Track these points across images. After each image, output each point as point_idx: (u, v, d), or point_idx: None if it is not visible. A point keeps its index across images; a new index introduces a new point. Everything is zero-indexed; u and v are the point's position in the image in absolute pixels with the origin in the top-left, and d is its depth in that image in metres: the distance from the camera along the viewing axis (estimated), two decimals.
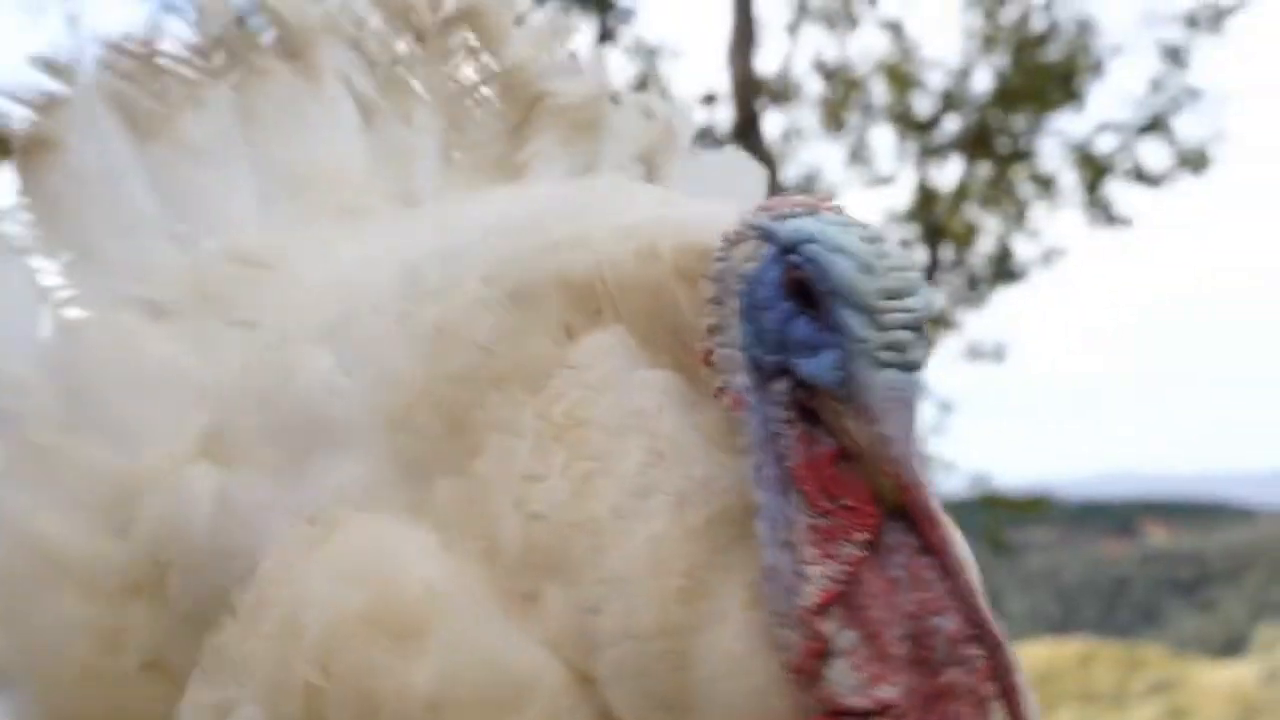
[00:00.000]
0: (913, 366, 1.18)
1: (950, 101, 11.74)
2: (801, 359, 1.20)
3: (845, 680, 1.13)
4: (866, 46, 11.91)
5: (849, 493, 1.18)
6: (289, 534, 1.26)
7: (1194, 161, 11.58)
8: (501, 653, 1.15)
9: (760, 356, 1.22)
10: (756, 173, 1.98)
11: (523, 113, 1.69)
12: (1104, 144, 11.78)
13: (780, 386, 1.21)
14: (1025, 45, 11.64)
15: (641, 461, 1.22)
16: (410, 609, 1.15)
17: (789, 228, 1.22)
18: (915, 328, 1.18)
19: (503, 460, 1.23)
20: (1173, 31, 11.62)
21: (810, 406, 1.20)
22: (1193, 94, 11.65)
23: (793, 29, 11.45)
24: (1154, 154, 11.63)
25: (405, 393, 1.29)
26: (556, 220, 1.35)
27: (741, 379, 1.23)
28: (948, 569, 1.16)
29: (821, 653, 1.13)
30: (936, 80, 11.79)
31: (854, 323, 1.18)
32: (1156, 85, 11.65)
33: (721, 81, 10.92)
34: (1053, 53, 11.66)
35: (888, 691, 1.13)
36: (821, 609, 1.14)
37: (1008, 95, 11.60)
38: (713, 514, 1.20)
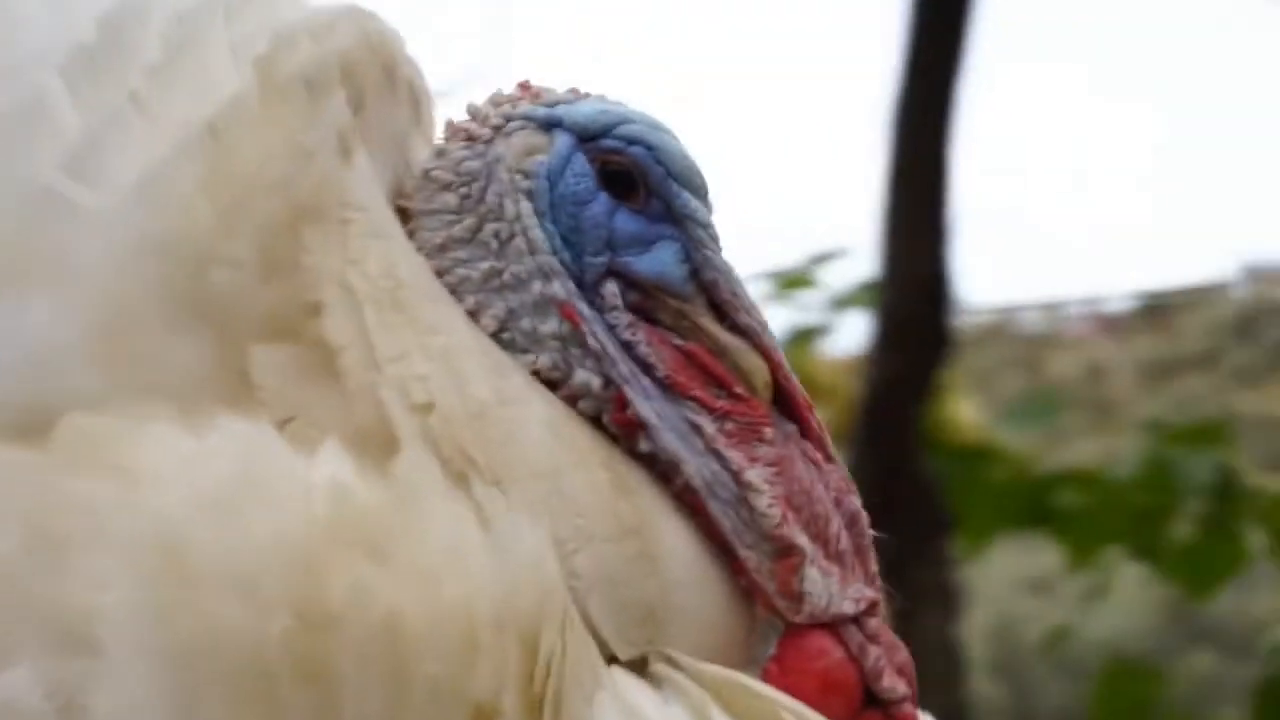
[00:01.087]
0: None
1: None
2: (632, 257, 1.08)
3: (821, 589, 1.04)
4: None
5: (733, 384, 1.07)
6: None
7: None
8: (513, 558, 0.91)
9: (580, 260, 1.07)
10: None
11: None
12: None
13: (611, 290, 1.07)
14: None
15: (474, 333, 1.03)
16: (372, 522, 0.87)
17: (584, 111, 1.09)
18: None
19: (351, 326, 0.95)
20: None
21: (643, 307, 1.08)
22: None
23: None
24: None
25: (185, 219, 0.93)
26: None
27: (556, 287, 1.06)
28: (830, 452, 1.08)
29: (797, 566, 1.04)
30: None
31: (696, 208, 1.08)
32: None
33: None
34: None
35: (860, 589, 1.05)
36: (785, 517, 1.04)
37: None
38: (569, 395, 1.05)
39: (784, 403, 1.09)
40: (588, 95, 1.11)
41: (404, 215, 1.09)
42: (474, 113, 1.11)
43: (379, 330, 0.95)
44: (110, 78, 0.94)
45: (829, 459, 1.09)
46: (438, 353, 0.98)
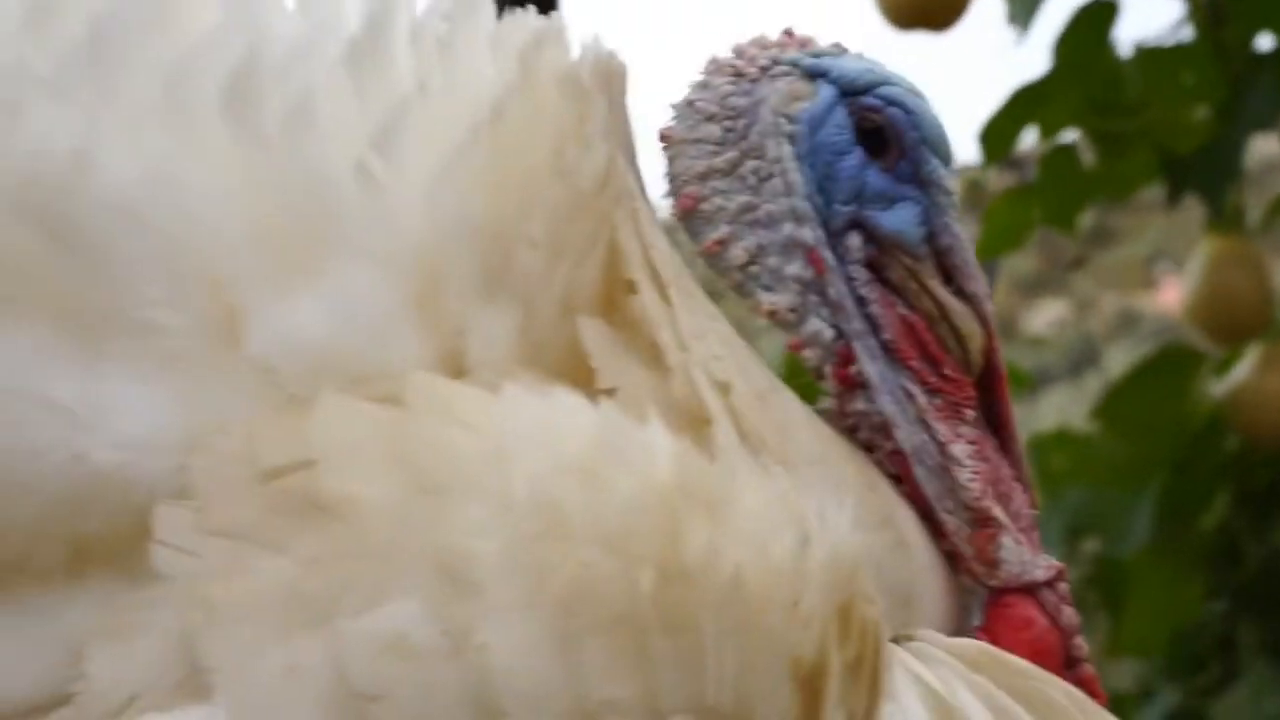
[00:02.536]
0: None
1: None
2: (876, 211, 1.10)
3: (1015, 557, 1.07)
4: None
5: (947, 364, 1.10)
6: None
7: None
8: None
9: (829, 208, 1.10)
10: None
11: None
12: None
13: (855, 243, 1.09)
14: None
15: (728, 333, 1.04)
16: (709, 486, 0.88)
17: (849, 67, 1.11)
18: None
19: (662, 306, 0.97)
20: None
21: (877, 262, 1.10)
22: None
23: None
24: None
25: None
26: None
27: (806, 232, 1.09)
28: (1014, 434, 1.12)
29: (996, 536, 1.07)
30: None
31: (942, 175, 1.10)
32: None
33: None
34: None
35: (1048, 558, 1.09)
36: (984, 490, 1.08)
37: None
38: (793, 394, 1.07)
39: (989, 375, 1.13)
40: (850, 52, 1.14)
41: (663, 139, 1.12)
42: (740, 51, 1.13)
43: (683, 311, 0.98)
44: (385, 70, 0.97)
45: (1013, 438, 1.13)
46: (722, 337, 1.01)
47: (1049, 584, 1.09)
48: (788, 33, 1.14)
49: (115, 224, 0.89)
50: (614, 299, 0.98)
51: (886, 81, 1.11)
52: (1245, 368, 3.49)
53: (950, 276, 1.12)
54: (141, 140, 0.90)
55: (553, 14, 1.05)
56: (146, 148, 0.90)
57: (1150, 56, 3.44)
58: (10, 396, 0.87)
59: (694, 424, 0.94)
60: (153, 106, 0.92)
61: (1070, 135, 3.58)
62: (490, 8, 1.04)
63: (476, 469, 0.85)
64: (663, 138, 1.12)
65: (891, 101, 1.10)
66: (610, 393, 0.92)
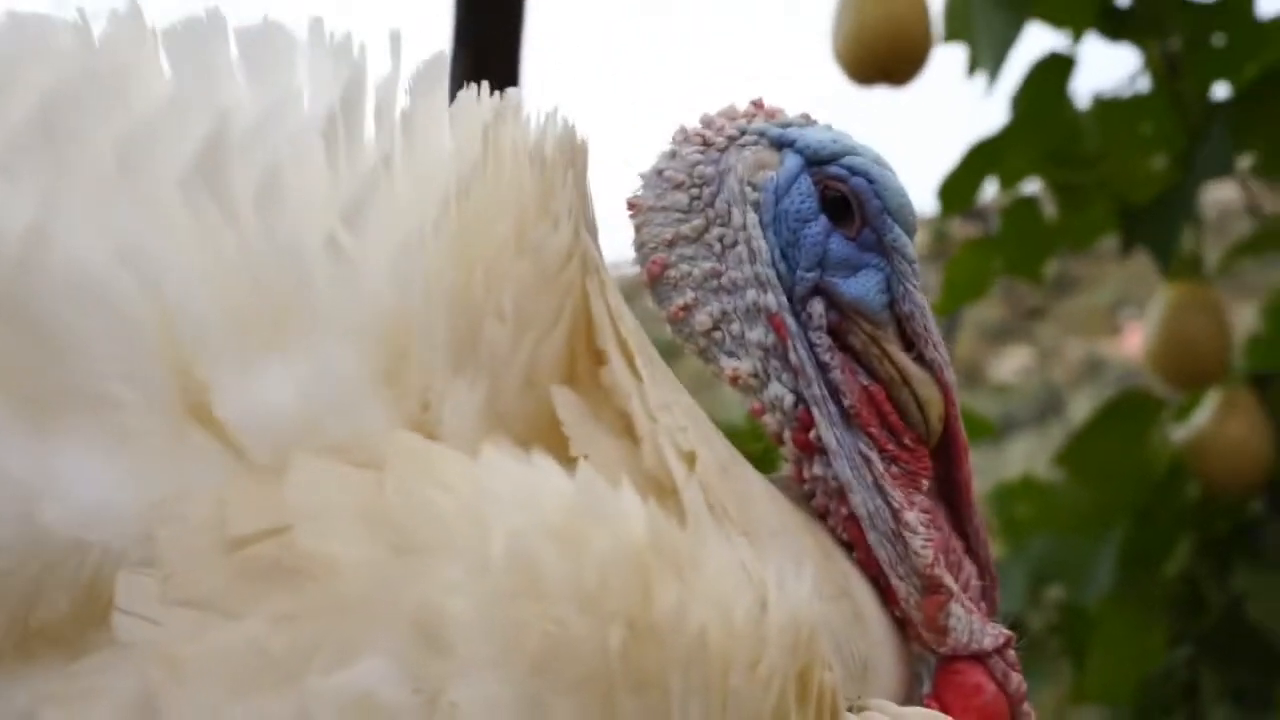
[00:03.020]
0: None
1: None
2: (839, 278, 1.12)
3: (964, 625, 1.09)
4: None
5: (905, 432, 1.12)
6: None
7: None
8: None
9: (792, 274, 1.12)
10: None
11: None
12: None
13: (817, 309, 1.12)
14: None
15: (690, 405, 1.05)
16: (679, 548, 0.89)
17: (815, 138, 1.13)
18: None
19: (630, 376, 0.99)
20: None
21: (839, 329, 1.13)
22: None
23: None
24: None
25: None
26: None
27: (769, 299, 1.11)
28: (970, 499, 1.14)
29: (945, 603, 1.09)
30: None
31: (905, 243, 1.13)
32: None
33: None
34: None
35: (996, 627, 1.11)
36: (936, 558, 1.10)
37: None
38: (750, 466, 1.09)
39: (948, 441, 1.15)
40: (817, 122, 1.16)
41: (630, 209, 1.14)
42: (708, 121, 1.15)
43: (650, 383, 1.00)
44: (354, 145, 0.98)
45: (970, 504, 1.15)
46: (686, 409, 1.02)
47: (998, 651, 1.10)
48: (756, 103, 1.17)
49: (71, 301, 0.88)
50: (577, 370, 0.99)
51: (851, 151, 1.13)
52: (1205, 414, 3.51)
53: (911, 343, 1.14)
54: (100, 216, 0.90)
55: (512, 88, 1.06)
56: (105, 223, 0.90)
57: (1108, 108, 3.48)
58: None
59: (661, 492, 0.95)
60: (111, 181, 0.92)
61: (1032, 186, 3.62)
62: (445, 83, 1.04)
63: (454, 529, 0.86)
64: (630, 205, 1.14)
65: (855, 171, 1.13)
66: (582, 459, 0.93)
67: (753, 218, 1.12)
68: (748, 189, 1.13)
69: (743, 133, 1.14)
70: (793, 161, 1.13)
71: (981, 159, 3.44)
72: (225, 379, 0.89)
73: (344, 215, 0.93)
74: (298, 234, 0.92)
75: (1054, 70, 3.43)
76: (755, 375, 1.12)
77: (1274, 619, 3.47)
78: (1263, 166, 3.53)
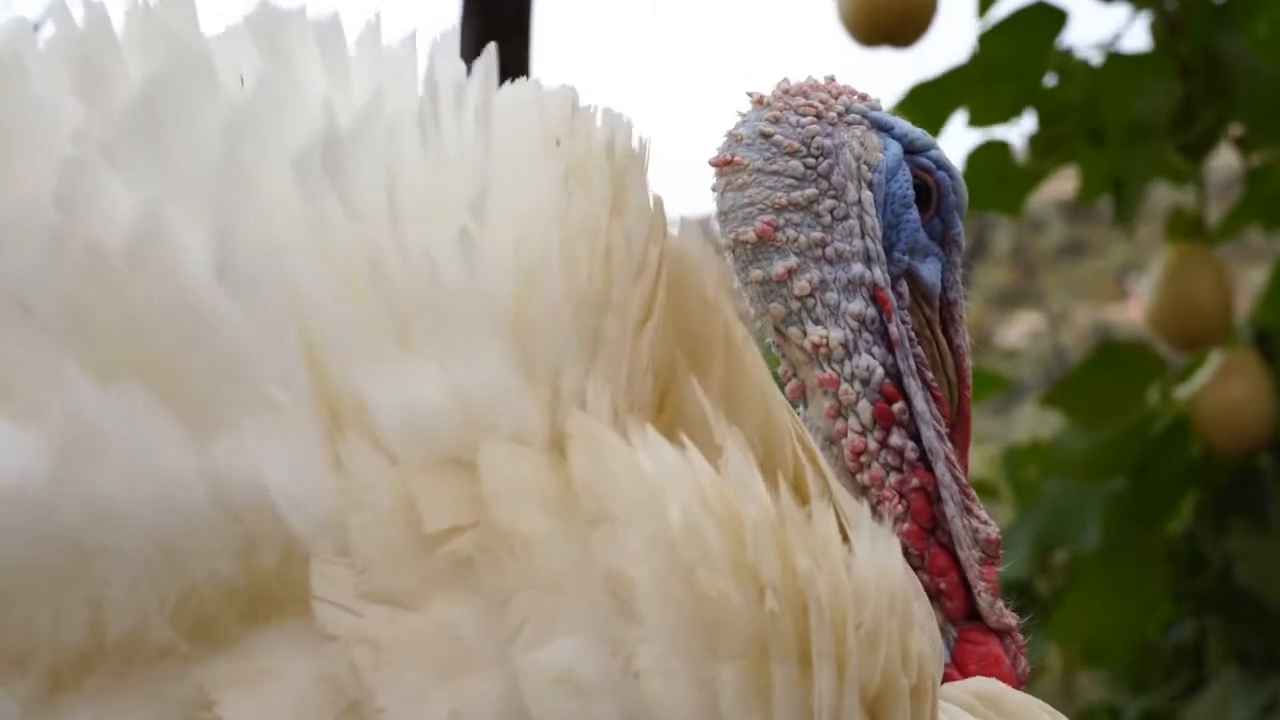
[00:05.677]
0: None
1: None
2: (918, 263, 1.18)
3: (991, 603, 1.14)
4: None
5: (944, 409, 1.17)
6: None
7: None
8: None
9: (889, 254, 1.17)
10: None
11: None
12: None
13: (904, 289, 1.17)
14: None
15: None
16: (799, 515, 0.95)
17: (908, 127, 1.20)
18: None
19: (756, 370, 1.02)
20: None
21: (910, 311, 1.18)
22: None
23: None
24: None
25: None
26: None
27: (877, 273, 1.15)
28: (967, 471, 1.18)
29: (999, 572, 1.14)
30: None
31: (962, 238, 1.19)
32: None
33: None
34: None
35: (1008, 610, 1.15)
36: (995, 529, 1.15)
37: None
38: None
39: (957, 425, 1.19)
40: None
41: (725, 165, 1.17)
42: (808, 91, 1.18)
43: (768, 382, 1.02)
44: (446, 140, 0.98)
45: (969, 489, 1.18)
46: (788, 408, 1.04)
47: (1014, 631, 1.14)
48: (829, 80, 1.21)
49: (200, 298, 0.87)
50: (676, 365, 1.01)
51: (935, 145, 1.19)
52: (1207, 374, 3.52)
53: (945, 328, 1.19)
54: (213, 209, 0.89)
55: (569, 84, 1.07)
56: (219, 216, 0.89)
57: (1108, 63, 3.49)
58: (151, 455, 0.85)
59: (785, 475, 0.98)
60: (220, 172, 0.91)
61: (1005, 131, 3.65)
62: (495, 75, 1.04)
63: (636, 502, 0.88)
64: (728, 163, 1.16)
65: (940, 165, 1.19)
66: (719, 448, 0.95)
67: (868, 195, 1.16)
68: (864, 167, 1.17)
69: (848, 109, 1.18)
70: (895, 147, 1.18)
71: (936, 95, 3.45)
72: (373, 380, 0.89)
73: (471, 208, 0.93)
74: (423, 227, 0.93)
75: (1042, 21, 3.43)
76: (843, 345, 1.15)
77: (1264, 582, 3.48)
78: (1249, 139, 3.54)
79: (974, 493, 1.15)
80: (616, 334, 0.96)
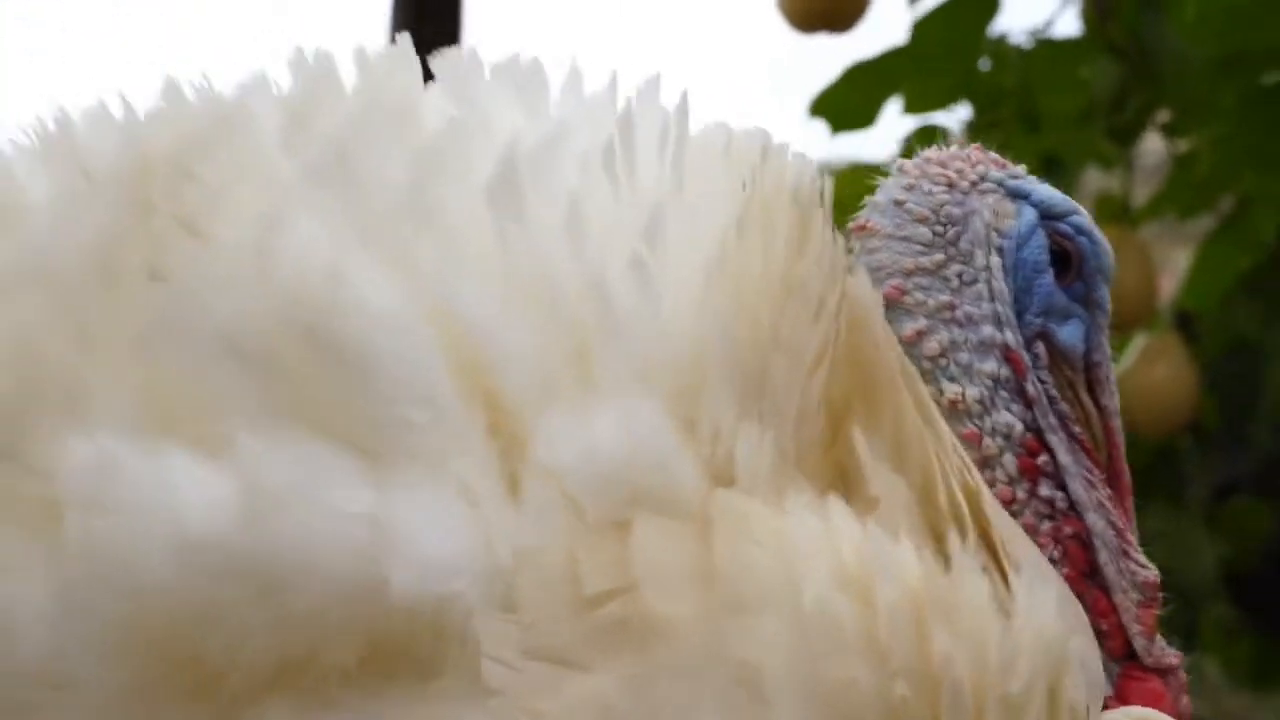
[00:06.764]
0: None
1: None
2: (1056, 325, 1.20)
3: (1161, 642, 1.17)
4: None
5: (1099, 462, 1.21)
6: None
7: None
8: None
9: (1021, 317, 1.20)
10: None
11: None
12: None
13: (1040, 351, 1.20)
14: None
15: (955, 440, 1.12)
16: (946, 596, 0.96)
17: (1046, 194, 1.23)
18: None
19: (916, 418, 1.05)
20: None
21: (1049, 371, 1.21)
22: None
23: None
24: None
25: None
26: None
27: (1008, 335, 1.18)
28: (1130, 518, 1.21)
29: (1157, 614, 1.17)
30: None
31: (1106, 301, 1.22)
32: None
33: None
34: None
35: (1172, 649, 1.18)
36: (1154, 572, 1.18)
37: None
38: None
39: (1113, 479, 1.21)
40: (1032, 177, 1.25)
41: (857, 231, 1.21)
42: (945, 161, 1.23)
43: (939, 423, 1.06)
44: (636, 175, 1.01)
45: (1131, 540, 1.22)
46: (953, 445, 1.09)
47: (1175, 670, 1.18)
48: (979, 149, 1.25)
49: (381, 344, 0.90)
50: (845, 406, 1.04)
51: (1076, 211, 1.23)
52: (1129, 357, 3.57)
53: (1092, 389, 1.22)
54: (400, 250, 0.92)
55: (725, 121, 1.12)
56: (406, 257, 0.92)
57: (1039, 49, 3.53)
58: (309, 502, 0.87)
59: (947, 525, 1.02)
60: (407, 210, 0.94)
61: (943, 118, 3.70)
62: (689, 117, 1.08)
63: (772, 584, 0.90)
64: (863, 228, 1.21)
65: (1081, 231, 1.22)
66: (878, 503, 0.98)
67: (996, 261, 1.19)
68: (993, 234, 1.20)
69: (983, 178, 1.22)
70: (1030, 214, 1.21)
71: (872, 78, 3.50)
72: (548, 424, 0.91)
73: (646, 238, 0.96)
74: (605, 265, 0.95)
75: (975, 7, 3.47)
76: (980, 402, 1.18)
77: (1180, 562, 3.54)
78: (1176, 125, 3.59)
79: (1132, 538, 1.19)
80: (787, 375, 0.99)
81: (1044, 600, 0.98)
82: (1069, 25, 3.59)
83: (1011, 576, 0.99)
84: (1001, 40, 3.53)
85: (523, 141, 0.96)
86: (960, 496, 1.03)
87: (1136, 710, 1.12)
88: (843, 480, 1.00)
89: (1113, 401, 1.22)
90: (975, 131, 3.56)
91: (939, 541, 1.00)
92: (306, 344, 0.89)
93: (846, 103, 3.47)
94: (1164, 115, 3.63)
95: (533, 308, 0.93)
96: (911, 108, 3.55)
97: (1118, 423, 1.23)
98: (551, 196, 0.95)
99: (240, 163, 0.94)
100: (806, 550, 0.91)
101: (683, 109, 1.06)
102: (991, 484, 1.16)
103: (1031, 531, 1.16)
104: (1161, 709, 1.14)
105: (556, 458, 0.90)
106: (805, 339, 1.00)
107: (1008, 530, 1.06)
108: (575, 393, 0.92)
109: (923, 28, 3.48)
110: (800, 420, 0.99)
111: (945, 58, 3.46)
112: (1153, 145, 3.96)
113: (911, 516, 0.99)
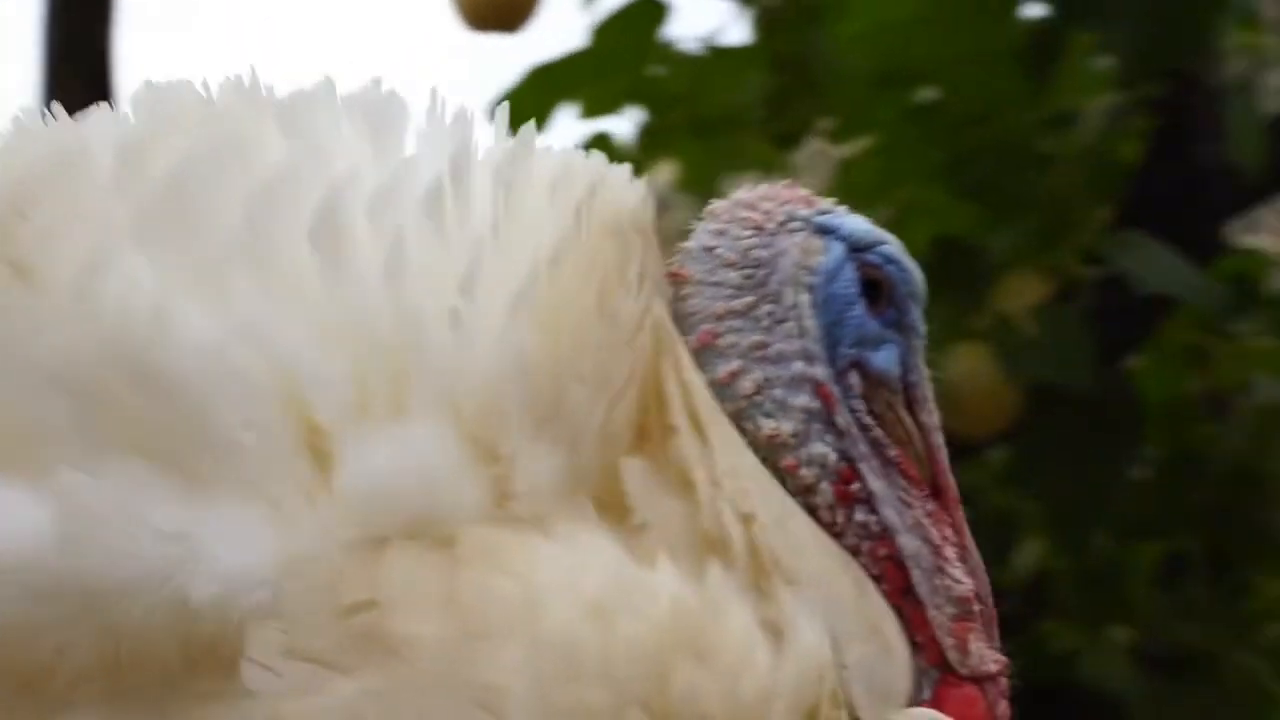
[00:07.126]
0: None
1: None
2: (870, 353, 1.25)
3: (978, 649, 1.21)
4: None
5: (922, 483, 1.25)
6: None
7: None
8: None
9: (834, 350, 1.24)
10: None
11: None
12: None
13: (854, 380, 1.24)
14: None
15: (753, 465, 1.16)
16: (696, 626, 0.99)
17: (854, 227, 1.27)
18: None
19: (698, 445, 1.08)
20: None
21: (865, 395, 1.25)
22: None
23: None
24: None
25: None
26: None
27: (818, 370, 1.23)
28: (968, 541, 1.25)
29: (972, 628, 1.21)
30: None
31: (920, 323, 1.27)
32: None
33: None
34: None
35: (996, 654, 1.22)
36: (972, 589, 1.22)
37: None
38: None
39: (938, 493, 1.26)
40: (842, 209, 1.29)
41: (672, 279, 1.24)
42: (752, 204, 1.26)
43: (719, 450, 1.09)
44: (464, 213, 1.04)
45: (968, 547, 1.26)
46: (748, 469, 1.13)
47: (994, 677, 1.23)
48: (789, 186, 1.29)
49: (200, 375, 0.94)
50: (648, 430, 1.07)
51: (883, 241, 1.27)
52: (952, 363, 3.66)
53: (911, 407, 1.27)
54: (224, 287, 0.96)
55: (591, 155, 1.16)
56: (229, 294, 0.96)
57: (709, 56, 3.62)
58: (121, 524, 0.92)
59: (716, 550, 1.05)
60: (236, 248, 0.97)
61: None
62: (538, 147, 1.12)
63: (515, 615, 0.93)
64: (676, 275, 1.23)
65: (889, 259, 1.27)
66: (642, 527, 1.02)
67: (805, 298, 1.23)
68: (802, 272, 1.24)
69: (791, 218, 1.26)
70: (838, 249, 1.25)
71: (552, 81, 3.54)
72: (348, 447, 0.95)
73: (461, 285, 0.99)
74: (421, 303, 0.98)
75: (646, 13, 3.54)
76: (795, 435, 1.21)
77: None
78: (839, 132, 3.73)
79: (951, 553, 1.23)
80: (588, 401, 1.03)
81: (808, 623, 1.04)
82: (742, 34, 3.68)
83: (785, 600, 1.05)
84: (669, 46, 3.61)
85: (358, 180, 1.00)
86: (730, 520, 1.07)
87: (916, 712, 1.17)
88: (621, 506, 1.04)
89: (932, 418, 1.28)
90: (645, 137, 3.64)
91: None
92: (128, 376, 0.93)
93: (525, 105, 3.51)
94: (826, 123, 3.76)
95: (349, 340, 0.97)
96: (588, 112, 3.60)
97: (939, 438, 1.28)
98: (381, 234, 0.99)
99: (73, 203, 0.97)
100: (551, 580, 0.96)
101: (525, 139, 1.10)
102: (814, 510, 1.21)
103: (854, 553, 1.22)
104: (975, 714, 1.21)
105: (343, 476, 0.95)
106: (612, 366, 1.05)
107: (792, 552, 1.11)
108: (384, 417, 0.97)
109: (599, 33, 3.53)
110: (603, 444, 1.03)
111: (618, 63, 3.52)
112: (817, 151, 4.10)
113: (686, 542, 1.03)
